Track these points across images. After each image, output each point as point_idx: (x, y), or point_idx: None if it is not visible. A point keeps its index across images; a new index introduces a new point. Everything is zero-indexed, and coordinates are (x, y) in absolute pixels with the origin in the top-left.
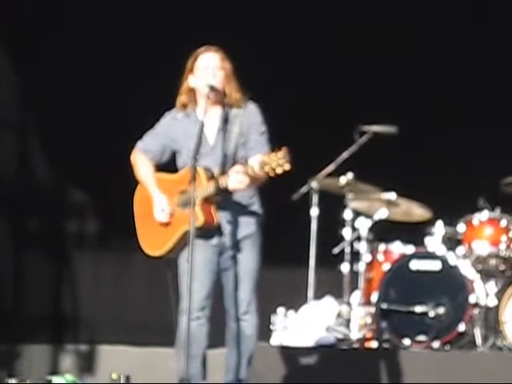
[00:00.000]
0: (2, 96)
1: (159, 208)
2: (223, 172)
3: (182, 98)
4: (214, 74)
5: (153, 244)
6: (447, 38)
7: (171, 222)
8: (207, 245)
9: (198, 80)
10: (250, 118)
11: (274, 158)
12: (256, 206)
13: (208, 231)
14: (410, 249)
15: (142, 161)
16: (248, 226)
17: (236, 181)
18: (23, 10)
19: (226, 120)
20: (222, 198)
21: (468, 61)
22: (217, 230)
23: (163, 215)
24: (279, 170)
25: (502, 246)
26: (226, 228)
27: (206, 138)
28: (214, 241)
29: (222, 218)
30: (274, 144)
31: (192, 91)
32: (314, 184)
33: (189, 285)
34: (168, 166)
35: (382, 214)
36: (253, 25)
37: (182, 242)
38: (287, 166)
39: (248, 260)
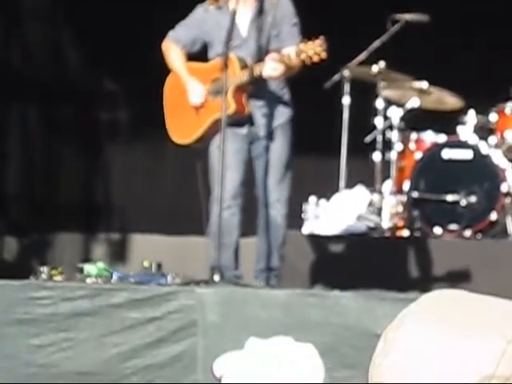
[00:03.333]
0: None
1: (193, 91)
2: (256, 63)
3: None
4: None
5: (182, 132)
6: None
7: (202, 110)
8: (237, 134)
9: None
10: (282, 9)
11: (311, 45)
12: (287, 97)
13: (238, 120)
14: (441, 138)
15: (173, 49)
16: (279, 116)
17: (271, 68)
18: None
19: (258, 12)
20: (255, 87)
21: None
22: (247, 119)
23: (199, 97)
24: (316, 59)
25: None
26: (257, 117)
27: (238, 30)
28: (244, 130)
29: (253, 107)
30: (307, 33)
31: None
32: (345, 72)
33: (220, 173)
34: (199, 56)
35: (413, 102)
36: None
37: (212, 130)
38: (324, 55)
39: (279, 147)
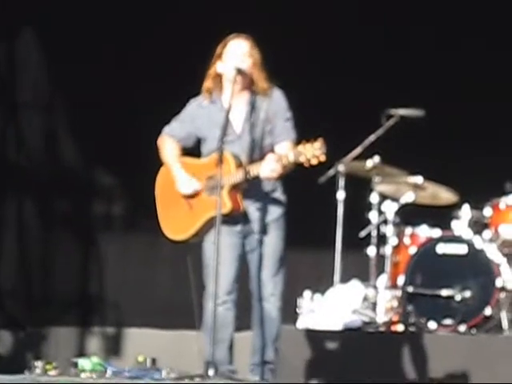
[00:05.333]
0: (29, 77)
1: (183, 180)
2: (250, 159)
3: (207, 83)
4: (242, 59)
5: (176, 228)
6: (476, 22)
7: (196, 206)
8: (231, 230)
9: (225, 65)
10: (275, 104)
11: (309, 148)
12: (279, 193)
13: (233, 218)
14: (436, 232)
15: (168, 143)
16: (273, 211)
17: (269, 169)
18: None
19: (252, 107)
20: (249, 186)
21: (496, 44)
22: (242, 217)
23: (188, 188)
24: (314, 161)
25: None
26: (251, 212)
27: (232, 126)
28: (238, 227)
29: (247, 204)
30: (302, 129)
31: (218, 77)
32: (340, 167)
33: (215, 269)
34: (194, 150)
35: (408, 197)
36: (276, 10)
37: (207, 227)
38: (323, 158)
39: (273, 242)
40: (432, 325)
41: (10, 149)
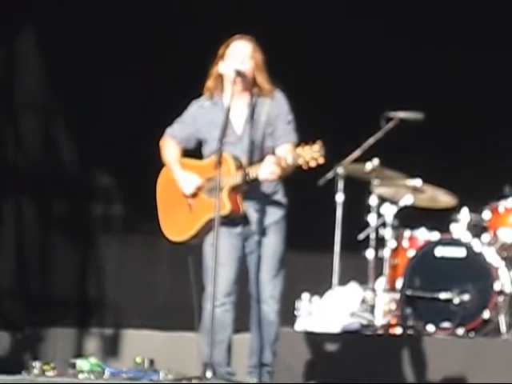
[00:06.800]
0: (27, 79)
1: (184, 180)
2: (251, 161)
3: (208, 83)
4: (243, 61)
5: (176, 229)
6: (475, 23)
7: (196, 208)
8: (231, 232)
9: (226, 66)
10: (277, 106)
11: (308, 150)
12: (280, 195)
13: (233, 220)
14: (435, 235)
15: (169, 144)
16: (273, 213)
17: (268, 171)
18: None
19: (253, 109)
20: (249, 187)
21: (497, 48)
22: (242, 219)
23: (192, 187)
24: (313, 164)
25: None
26: (251, 214)
27: (232, 128)
28: (238, 229)
29: (247, 206)
30: (301, 131)
31: (220, 77)
32: (339, 170)
33: (214, 271)
34: (195, 152)
35: (407, 200)
36: (279, 12)
37: (206, 229)
38: (321, 160)
39: (273, 244)
40: (430, 328)
41: (8, 150)
